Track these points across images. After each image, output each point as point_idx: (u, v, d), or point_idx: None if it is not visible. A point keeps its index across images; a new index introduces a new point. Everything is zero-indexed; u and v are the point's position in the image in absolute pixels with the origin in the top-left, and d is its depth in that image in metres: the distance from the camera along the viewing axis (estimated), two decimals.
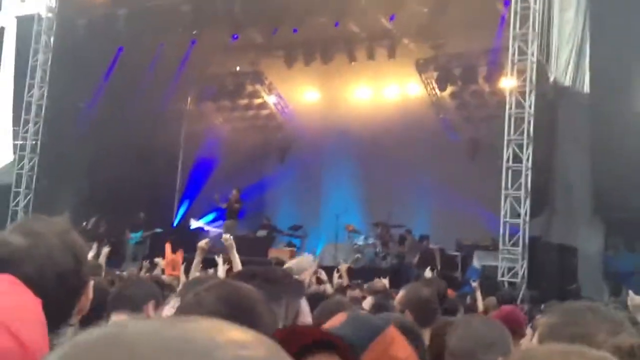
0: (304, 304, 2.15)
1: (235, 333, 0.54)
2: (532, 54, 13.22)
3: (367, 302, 6.51)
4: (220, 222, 18.41)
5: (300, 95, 21.01)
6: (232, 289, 1.63)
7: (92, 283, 1.67)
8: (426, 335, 3.02)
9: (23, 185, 16.45)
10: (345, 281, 8.59)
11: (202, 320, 0.56)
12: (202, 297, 1.58)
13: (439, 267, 13.53)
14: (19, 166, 16.59)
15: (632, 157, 12.90)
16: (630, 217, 12.60)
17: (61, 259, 1.50)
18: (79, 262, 1.55)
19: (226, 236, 6.16)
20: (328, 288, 7.44)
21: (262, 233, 17.99)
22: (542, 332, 2.00)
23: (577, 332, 1.83)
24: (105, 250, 8.55)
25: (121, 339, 0.52)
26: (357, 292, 8.76)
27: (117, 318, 3.11)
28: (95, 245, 8.74)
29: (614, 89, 13.43)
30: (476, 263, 13.91)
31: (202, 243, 6.25)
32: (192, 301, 1.61)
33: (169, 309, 3.25)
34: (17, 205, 16.26)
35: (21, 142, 16.53)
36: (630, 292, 4.94)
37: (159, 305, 3.32)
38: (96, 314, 3.09)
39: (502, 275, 12.48)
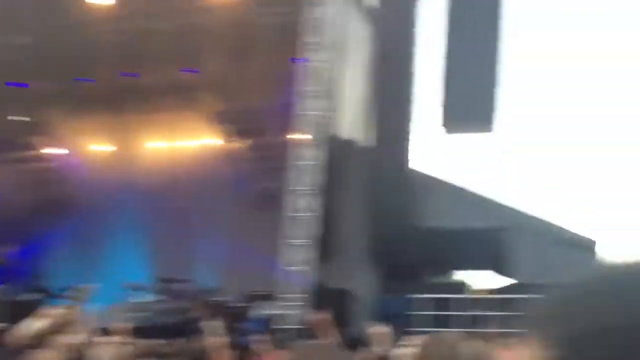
0: None
1: None
2: (320, 109, 13.67)
3: None
4: None
5: (89, 146, 19.83)
6: None
7: None
8: None
9: None
10: (119, 339, 7.97)
11: None
12: None
13: (223, 319, 12.90)
14: None
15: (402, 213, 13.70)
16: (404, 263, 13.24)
17: None
18: None
19: None
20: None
21: (27, 297, 16.01)
22: None
23: None
24: None
25: None
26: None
27: None
28: None
29: (392, 143, 14.27)
30: (261, 312, 13.63)
31: None
32: None
33: None
34: None
35: None
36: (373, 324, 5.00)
37: None
38: None
39: (286, 323, 12.26)
